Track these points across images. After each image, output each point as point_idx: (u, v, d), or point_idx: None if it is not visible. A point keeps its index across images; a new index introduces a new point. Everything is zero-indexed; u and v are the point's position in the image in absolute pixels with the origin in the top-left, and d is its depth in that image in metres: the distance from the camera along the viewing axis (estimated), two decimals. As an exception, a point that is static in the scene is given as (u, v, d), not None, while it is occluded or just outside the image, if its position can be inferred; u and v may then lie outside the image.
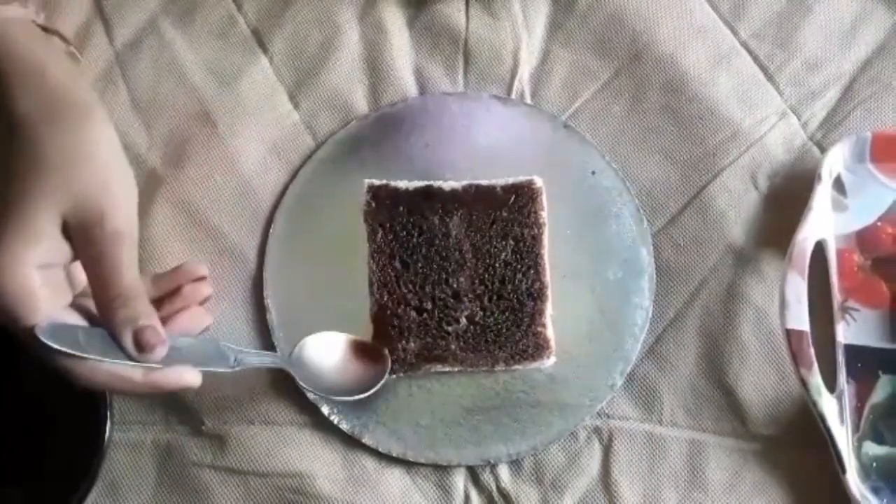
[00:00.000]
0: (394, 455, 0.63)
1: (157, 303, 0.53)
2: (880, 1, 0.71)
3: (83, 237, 0.47)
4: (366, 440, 0.63)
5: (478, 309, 0.64)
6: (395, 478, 0.63)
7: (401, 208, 0.66)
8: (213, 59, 0.73)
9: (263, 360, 0.58)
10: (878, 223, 0.65)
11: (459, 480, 0.63)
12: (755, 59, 0.70)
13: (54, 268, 0.48)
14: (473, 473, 0.63)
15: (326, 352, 0.61)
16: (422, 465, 0.63)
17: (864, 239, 0.65)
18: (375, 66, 0.72)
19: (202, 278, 0.57)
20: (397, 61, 0.72)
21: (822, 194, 0.64)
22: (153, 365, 0.50)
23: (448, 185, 0.66)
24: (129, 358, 0.49)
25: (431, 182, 0.67)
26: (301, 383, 0.60)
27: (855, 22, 0.70)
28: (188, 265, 0.57)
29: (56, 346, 0.47)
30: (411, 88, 0.72)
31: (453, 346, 0.64)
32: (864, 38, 0.70)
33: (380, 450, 0.63)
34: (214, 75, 0.73)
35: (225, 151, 0.70)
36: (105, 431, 0.60)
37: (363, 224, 0.66)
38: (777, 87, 0.70)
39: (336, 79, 0.72)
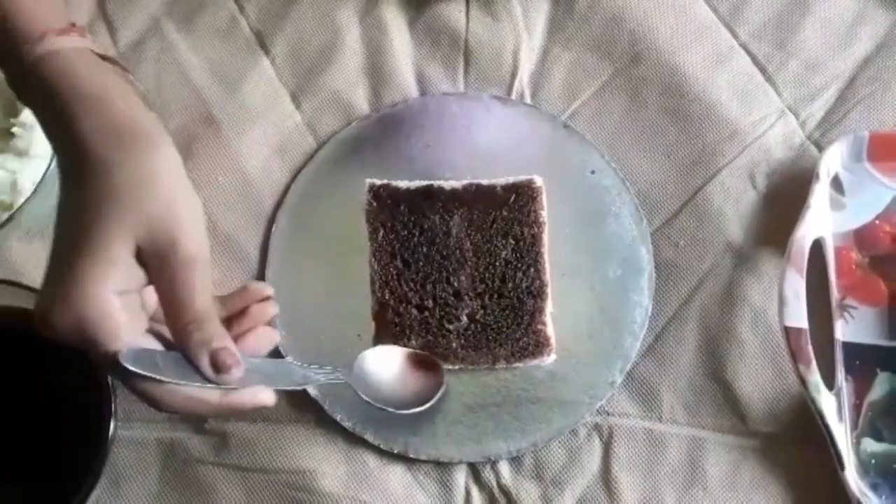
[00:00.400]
0: (395, 452, 0.63)
1: (225, 324, 0.53)
2: (879, 0, 0.71)
3: (156, 263, 0.48)
4: (367, 437, 0.63)
5: (478, 307, 0.65)
6: (396, 475, 0.64)
7: (402, 207, 0.66)
8: (215, 61, 0.74)
9: (328, 376, 0.58)
10: (876, 221, 0.65)
11: (460, 477, 0.64)
12: (753, 59, 0.71)
13: (130, 293, 0.48)
14: (474, 470, 0.64)
15: (384, 365, 0.62)
16: (423, 461, 0.64)
17: (862, 237, 0.65)
18: (376, 67, 0.73)
19: (267, 298, 0.57)
20: (398, 62, 0.73)
21: (820, 193, 0.64)
22: (229, 386, 0.50)
23: (449, 184, 0.67)
24: (206, 380, 0.49)
25: (432, 181, 0.67)
26: (364, 397, 0.60)
27: (854, 21, 0.71)
28: (253, 286, 0.57)
29: (140, 372, 0.47)
30: (412, 89, 0.72)
31: (454, 344, 0.64)
32: (863, 38, 0.71)
33: (381, 447, 0.63)
34: (217, 77, 0.73)
35: (228, 152, 0.71)
36: (109, 429, 0.60)
37: (364, 223, 0.66)
38: (775, 86, 0.70)
39: (337, 80, 0.73)
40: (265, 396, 0.51)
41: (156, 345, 0.49)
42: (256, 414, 0.65)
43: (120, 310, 0.47)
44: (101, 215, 0.47)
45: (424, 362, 0.63)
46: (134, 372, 0.47)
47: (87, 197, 0.47)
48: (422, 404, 0.61)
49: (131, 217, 0.47)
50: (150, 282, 0.49)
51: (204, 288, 0.49)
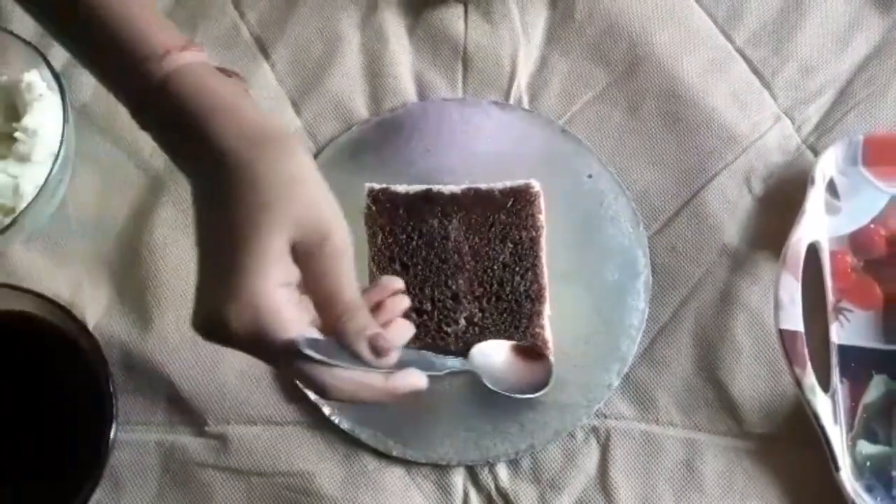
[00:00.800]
0: (394, 454, 0.64)
1: None
2: (873, 6, 0.72)
3: (308, 258, 0.49)
4: (366, 440, 0.64)
5: (476, 310, 0.65)
6: (395, 477, 0.64)
7: (401, 211, 0.67)
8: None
9: (455, 364, 0.61)
10: (871, 225, 0.66)
11: (458, 480, 0.64)
12: (750, 64, 0.71)
13: (291, 287, 0.50)
14: (472, 473, 0.64)
15: (495, 356, 0.63)
16: (421, 464, 0.64)
17: (857, 241, 0.65)
18: (376, 73, 0.73)
19: (399, 291, 0.58)
20: (398, 68, 0.73)
21: (816, 197, 0.65)
22: (386, 370, 0.52)
23: (447, 188, 0.67)
24: (366, 366, 0.51)
25: (431, 186, 0.68)
26: (487, 384, 0.62)
27: (848, 26, 0.72)
28: (385, 280, 0.58)
29: (318, 357, 0.48)
30: (411, 94, 0.73)
31: (452, 347, 0.64)
32: (858, 43, 0.71)
33: (380, 449, 0.64)
34: (218, 82, 0.74)
35: (228, 156, 0.71)
36: (110, 432, 0.61)
37: (364, 227, 0.67)
38: (771, 91, 0.71)
39: (337, 85, 0.73)
40: (419, 379, 0.53)
41: (319, 335, 0.50)
42: (256, 416, 0.65)
43: (287, 302, 0.48)
44: (256, 215, 0.48)
45: (530, 352, 0.64)
46: (312, 359, 0.48)
47: (237, 201, 0.48)
48: (532, 391, 0.63)
49: (284, 215, 0.48)
50: (303, 276, 0.50)
51: (352, 279, 0.50)
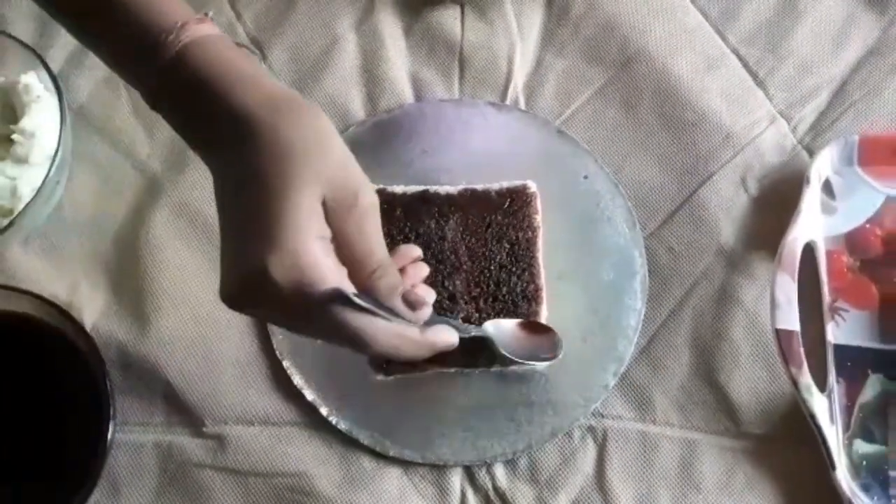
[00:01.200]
0: (391, 455, 0.64)
1: None
2: (869, 6, 0.72)
3: (341, 216, 0.50)
4: (363, 440, 0.64)
5: (473, 311, 0.65)
6: (392, 477, 0.64)
7: (398, 212, 0.67)
8: (213, 68, 0.74)
9: (478, 331, 0.62)
10: (867, 225, 0.66)
11: (456, 480, 0.64)
12: (745, 64, 0.72)
13: (326, 241, 0.50)
14: (470, 473, 0.64)
15: (503, 331, 0.63)
16: (419, 464, 0.64)
17: (852, 241, 0.66)
18: (372, 74, 0.73)
19: (418, 258, 0.61)
20: (394, 68, 0.73)
21: (811, 197, 0.65)
22: (419, 325, 0.54)
23: (444, 189, 0.68)
24: (401, 319, 0.52)
25: (428, 187, 0.68)
26: (503, 352, 0.62)
27: (844, 27, 0.72)
28: (405, 248, 0.61)
29: (366, 305, 0.49)
30: (408, 95, 0.73)
31: (449, 347, 0.65)
32: (853, 43, 0.72)
33: (377, 450, 0.64)
34: (215, 83, 0.74)
35: (225, 157, 0.72)
36: (107, 432, 0.61)
37: (361, 228, 0.67)
38: (766, 91, 0.71)
39: (334, 86, 0.73)
40: (451, 335, 0.57)
41: (354, 290, 0.50)
42: (253, 417, 0.65)
43: (326, 255, 0.49)
44: (287, 170, 0.48)
45: (536, 327, 0.64)
46: (356, 307, 0.49)
47: (266, 163, 0.49)
48: (543, 359, 0.63)
49: (314, 172, 0.49)
50: (335, 234, 0.50)
51: (381, 239, 0.52)
